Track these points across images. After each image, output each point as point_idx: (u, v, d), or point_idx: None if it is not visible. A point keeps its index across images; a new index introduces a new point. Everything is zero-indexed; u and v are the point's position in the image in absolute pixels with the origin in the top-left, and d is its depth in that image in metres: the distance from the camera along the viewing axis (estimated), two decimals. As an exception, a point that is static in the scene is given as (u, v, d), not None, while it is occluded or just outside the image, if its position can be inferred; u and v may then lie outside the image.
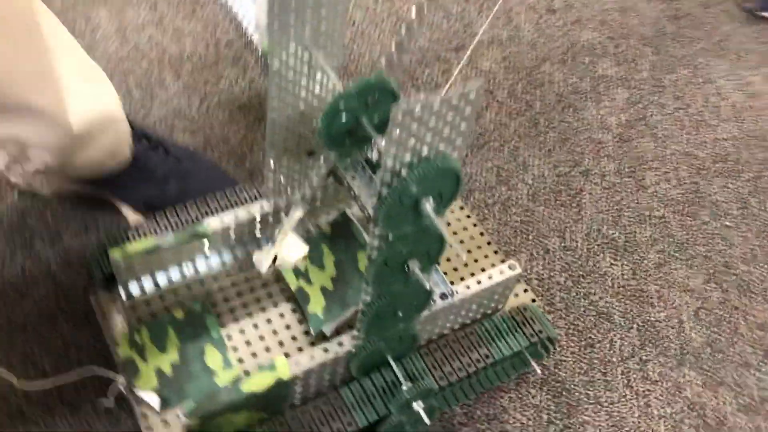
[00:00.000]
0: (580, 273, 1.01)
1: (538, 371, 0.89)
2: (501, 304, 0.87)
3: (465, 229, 0.96)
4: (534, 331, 0.85)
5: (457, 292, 0.80)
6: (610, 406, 0.90)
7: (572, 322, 0.96)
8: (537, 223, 1.06)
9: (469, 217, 0.97)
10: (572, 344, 0.94)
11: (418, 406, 0.77)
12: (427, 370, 0.81)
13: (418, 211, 0.60)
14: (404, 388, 0.76)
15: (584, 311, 0.98)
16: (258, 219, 0.82)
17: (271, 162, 0.75)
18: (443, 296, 0.79)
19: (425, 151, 0.57)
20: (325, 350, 0.73)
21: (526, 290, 0.91)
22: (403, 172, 0.57)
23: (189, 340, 0.78)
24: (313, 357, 0.73)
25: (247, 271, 0.84)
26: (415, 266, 0.66)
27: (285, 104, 0.69)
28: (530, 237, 1.04)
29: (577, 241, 1.05)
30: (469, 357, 0.82)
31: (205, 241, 0.79)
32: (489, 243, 0.95)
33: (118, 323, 0.78)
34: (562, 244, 1.04)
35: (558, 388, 0.90)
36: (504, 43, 1.28)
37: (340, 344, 0.74)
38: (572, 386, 0.91)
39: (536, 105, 1.20)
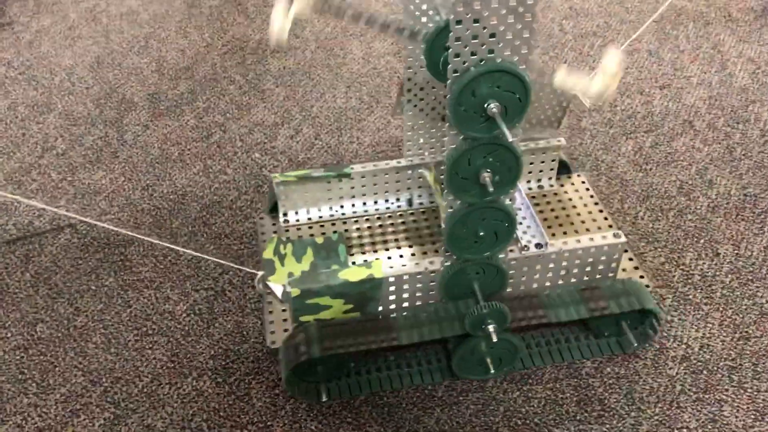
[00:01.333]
0: (750, 278, 0.98)
1: (633, 343, 0.87)
2: (607, 273, 0.86)
3: (581, 198, 1.01)
4: (628, 302, 0.83)
5: (552, 245, 0.81)
6: (756, 393, 0.85)
7: (729, 316, 0.94)
8: (712, 231, 1.05)
9: (588, 189, 1.03)
10: (724, 334, 0.91)
11: (490, 327, 0.79)
12: (510, 309, 0.81)
13: (487, 117, 0.64)
14: (480, 305, 0.79)
15: (746, 309, 0.94)
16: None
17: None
18: (538, 245, 0.82)
19: (493, 58, 0.62)
20: (416, 264, 0.81)
21: (636, 267, 0.93)
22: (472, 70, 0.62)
23: (321, 258, 0.92)
24: (404, 266, 0.80)
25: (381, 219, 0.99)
26: (487, 177, 0.69)
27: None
28: (701, 241, 1.04)
29: (752, 251, 1.02)
30: (552, 311, 0.83)
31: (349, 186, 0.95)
32: (605, 218, 0.99)
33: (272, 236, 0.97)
34: (735, 252, 1.02)
35: (699, 366, 0.89)
36: (713, 86, 1.31)
37: (431, 262, 0.81)
38: (715, 368, 0.88)
39: (735, 136, 1.20)
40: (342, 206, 1.00)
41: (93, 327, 0.94)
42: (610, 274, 0.86)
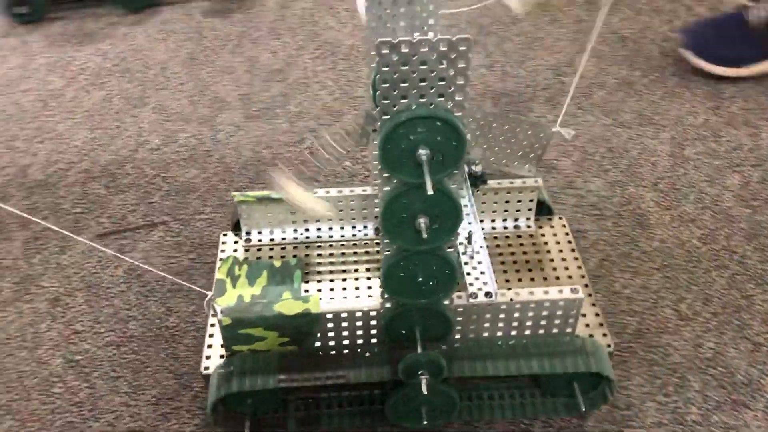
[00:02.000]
0: None
1: (582, 407, 0.81)
2: (564, 329, 0.80)
3: (558, 243, 0.96)
4: (582, 363, 0.78)
5: (503, 294, 0.77)
6: None
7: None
8: None
9: (567, 234, 0.97)
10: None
11: (422, 376, 0.75)
12: (452, 359, 0.78)
13: (417, 162, 0.62)
14: (413, 355, 0.75)
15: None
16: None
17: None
18: (488, 294, 0.76)
19: (425, 103, 0.60)
20: (357, 300, 0.78)
21: (605, 335, 0.85)
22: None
23: (275, 282, 0.89)
24: (346, 304, 0.76)
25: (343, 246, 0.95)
26: (422, 223, 0.66)
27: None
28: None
29: None
30: (498, 364, 0.78)
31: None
32: (579, 267, 0.93)
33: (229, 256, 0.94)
34: None
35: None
36: None
37: (370, 298, 0.79)
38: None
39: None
40: (307, 230, 0.97)
41: (184, 329, 0.93)
42: (568, 330, 0.80)
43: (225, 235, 0.97)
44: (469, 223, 0.84)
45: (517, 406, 0.84)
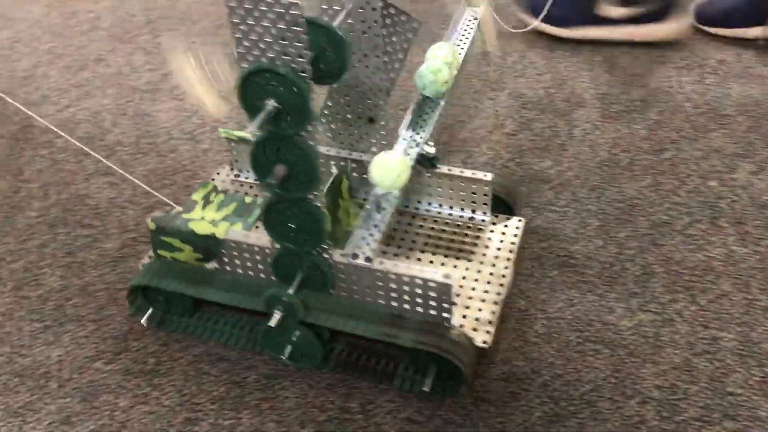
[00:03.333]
0: None
1: (425, 387, 0.79)
2: (440, 313, 0.78)
3: (502, 242, 0.93)
4: (428, 342, 0.77)
5: (382, 263, 0.77)
6: None
7: None
8: None
9: (516, 235, 0.94)
10: None
11: (277, 311, 0.79)
12: (315, 308, 0.81)
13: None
14: (276, 290, 0.79)
15: None
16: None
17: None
18: (368, 259, 0.77)
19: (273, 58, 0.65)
20: (258, 238, 0.81)
21: (488, 331, 0.82)
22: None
23: (237, 215, 0.94)
24: (247, 236, 0.82)
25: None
26: (277, 171, 0.70)
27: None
28: None
29: None
30: (348, 321, 0.80)
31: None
32: (506, 267, 0.90)
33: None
34: None
35: None
36: None
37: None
38: None
39: None
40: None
41: (535, 315, 0.92)
42: (444, 315, 0.78)
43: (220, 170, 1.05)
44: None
45: (385, 374, 0.84)
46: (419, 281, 0.77)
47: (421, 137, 0.82)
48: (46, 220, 1.05)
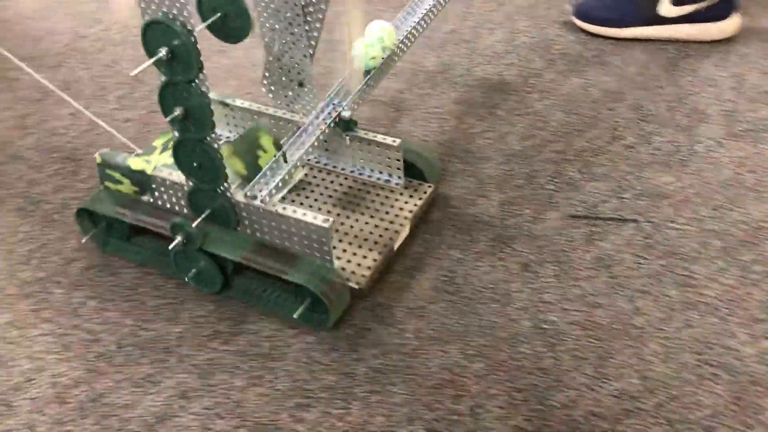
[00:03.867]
0: None
1: (293, 314, 0.87)
2: (323, 255, 0.88)
3: (402, 203, 1.01)
4: (302, 277, 0.86)
5: (274, 204, 0.87)
6: None
7: None
8: None
9: (420, 199, 1.01)
10: None
11: (177, 237, 0.89)
12: (217, 238, 0.90)
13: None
14: (181, 219, 0.89)
15: None
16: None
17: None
18: (262, 201, 0.86)
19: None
20: (179, 176, 0.90)
21: (364, 275, 0.92)
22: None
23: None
24: (170, 174, 0.92)
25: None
26: (175, 111, 0.80)
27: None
28: None
29: None
30: (252, 252, 0.89)
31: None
32: (399, 224, 0.98)
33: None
34: None
35: None
36: None
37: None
38: None
39: None
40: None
41: (652, 333, 0.90)
42: (326, 256, 0.88)
43: None
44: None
45: (271, 304, 0.92)
46: (303, 224, 0.86)
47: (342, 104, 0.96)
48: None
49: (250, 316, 0.92)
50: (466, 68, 1.34)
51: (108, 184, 0.98)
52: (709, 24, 1.38)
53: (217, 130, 1.00)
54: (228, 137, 1.10)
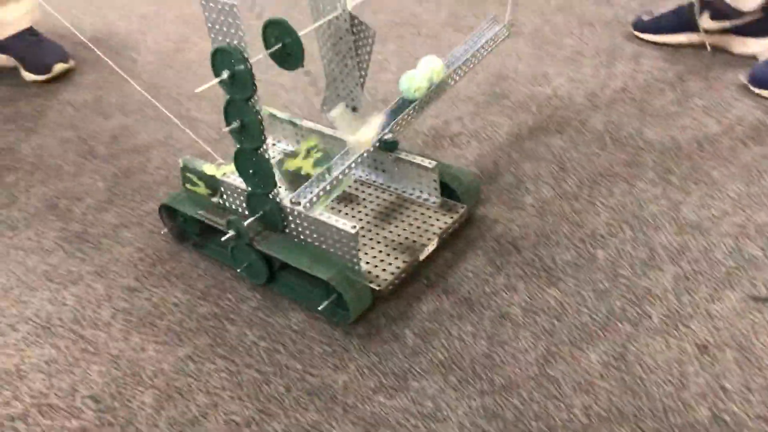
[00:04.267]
0: None
1: (319, 306, 0.97)
2: (346, 255, 0.98)
3: (436, 220, 1.10)
4: (325, 273, 0.97)
5: (313, 210, 0.98)
6: None
7: None
8: None
9: (452, 219, 1.09)
10: None
11: (230, 231, 1.03)
12: (267, 237, 1.03)
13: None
14: (236, 217, 1.03)
15: None
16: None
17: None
18: (305, 206, 0.96)
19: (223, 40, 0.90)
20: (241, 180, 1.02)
21: (386, 279, 1.00)
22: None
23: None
24: (234, 180, 1.05)
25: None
26: (233, 123, 0.94)
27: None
28: None
29: None
30: (290, 250, 1.01)
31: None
32: (428, 237, 1.06)
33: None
34: None
35: None
36: None
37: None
38: None
39: None
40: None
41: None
42: (353, 258, 0.98)
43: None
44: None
45: (303, 297, 1.03)
46: (334, 229, 0.97)
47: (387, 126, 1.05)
48: (335, 249, 1.13)
49: (413, 371, 0.92)
50: (636, 129, 1.31)
51: (188, 186, 1.13)
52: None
53: (286, 144, 1.25)
54: (293, 150, 1.24)
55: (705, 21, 1.48)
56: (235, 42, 0.88)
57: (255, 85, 0.90)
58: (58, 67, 1.64)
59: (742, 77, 1.40)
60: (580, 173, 1.22)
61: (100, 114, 1.51)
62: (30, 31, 1.67)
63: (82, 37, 1.46)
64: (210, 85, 0.88)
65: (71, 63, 1.68)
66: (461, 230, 1.13)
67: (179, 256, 1.14)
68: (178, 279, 1.09)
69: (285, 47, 0.93)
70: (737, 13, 1.44)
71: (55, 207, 1.26)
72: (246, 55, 0.88)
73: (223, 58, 0.90)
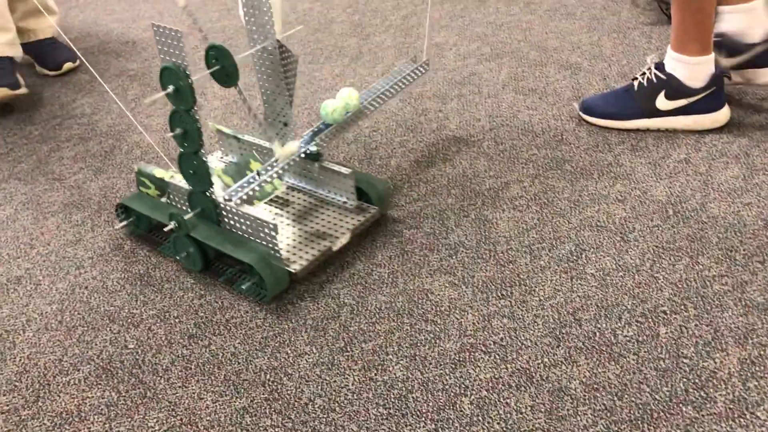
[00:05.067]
0: None
1: (243, 286, 1.15)
2: (269, 244, 1.16)
3: (346, 225, 1.27)
4: (247, 256, 1.14)
5: (242, 205, 1.16)
6: None
7: None
8: None
9: (360, 222, 1.28)
10: None
11: (172, 222, 1.19)
12: (203, 229, 1.20)
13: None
14: (178, 211, 1.20)
15: None
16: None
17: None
18: (234, 202, 1.15)
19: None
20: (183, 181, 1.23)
21: (302, 264, 1.19)
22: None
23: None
24: (179, 181, 1.24)
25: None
26: (176, 131, 1.13)
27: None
28: None
29: None
30: (222, 239, 1.19)
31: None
32: (343, 233, 1.26)
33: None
34: None
35: None
36: None
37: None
38: None
39: None
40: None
41: None
42: (274, 246, 1.15)
43: None
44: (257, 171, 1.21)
45: (231, 279, 1.20)
46: (258, 221, 1.14)
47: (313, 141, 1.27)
48: (393, 307, 1.13)
49: (470, 442, 0.91)
50: (700, 203, 1.30)
51: (142, 188, 1.32)
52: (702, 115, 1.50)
53: (232, 157, 1.43)
54: (232, 161, 1.44)
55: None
56: (179, 62, 1.07)
57: (195, 98, 1.09)
58: (67, 66, 1.98)
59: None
60: (642, 245, 1.21)
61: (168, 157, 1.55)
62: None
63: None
64: (157, 98, 1.15)
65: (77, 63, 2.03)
66: (522, 310, 1.12)
67: (239, 304, 1.15)
68: (237, 328, 1.11)
69: (223, 68, 1.11)
70: (749, 47, 1.51)
71: (121, 248, 1.29)
72: (188, 73, 1.07)
73: (169, 75, 1.08)
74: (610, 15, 1.86)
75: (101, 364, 1.06)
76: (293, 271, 1.16)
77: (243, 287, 1.14)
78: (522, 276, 1.17)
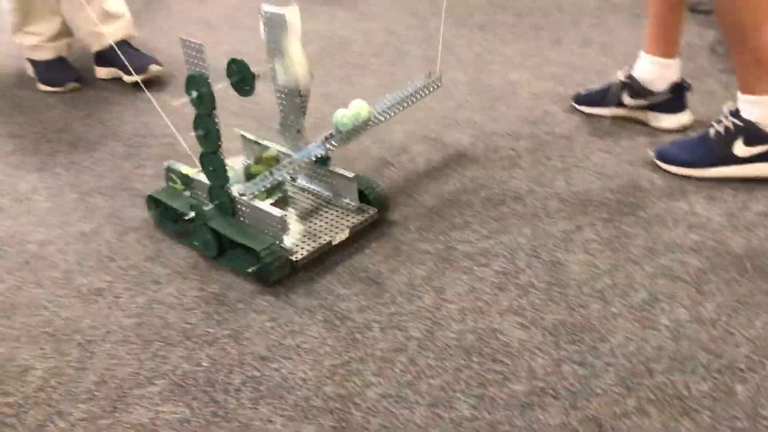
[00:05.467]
0: None
1: (248, 269, 1.27)
2: (277, 231, 1.29)
3: (343, 224, 1.40)
4: (250, 241, 1.28)
5: (253, 200, 1.30)
6: None
7: None
8: None
9: (353, 225, 1.39)
10: None
11: (192, 212, 1.34)
12: (219, 219, 1.34)
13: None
14: (197, 202, 1.36)
15: None
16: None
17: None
18: (248, 197, 1.30)
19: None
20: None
21: (302, 254, 1.31)
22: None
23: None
24: (201, 177, 1.36)
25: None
26: (197, 132, 1.28)
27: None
28: None
29: None
30: (235, 229, 1.32)
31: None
32: (349, 226, 1.38)
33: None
34: None
35: None
36: None
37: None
38: None
39: None
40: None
41: None
42: (279, 236, 1.28)
43: None
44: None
45: (240, 265, 1.30)
46: (267, 214, 1.28)
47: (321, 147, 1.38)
48: (462, 344, 1.13)
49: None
50: (779, 258, 1.27)
51: (171, 183, 1.44)
52: None
53: (247, 159, 1.54)
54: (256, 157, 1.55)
55: (626, 98, 1.69)
56: (202, 71, 1.22)
57: (215, 103, 1.23)
58: (153, 69, 2.00)
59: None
60: (718, 298, 1.19)
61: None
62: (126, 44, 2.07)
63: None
64: (183, 102, 1.22)
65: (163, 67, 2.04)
66: (593, 356, 1.11)
67: (309, 329, 1.17)
68: (307, 354, 1.13)
69: (242, 80, 1.27)
70: (649, 93, 1.66)
71: (197, 266, 1.33)
72: (210, 81, 1.21)
73: (193, 82, 1.23)
74: (687, 60, 1.85)
75: (176, 379, 1.09)
76: (295, 259, 1.30)
77: (249, 270, 1.26)
78: (593, 322, 1.16)
